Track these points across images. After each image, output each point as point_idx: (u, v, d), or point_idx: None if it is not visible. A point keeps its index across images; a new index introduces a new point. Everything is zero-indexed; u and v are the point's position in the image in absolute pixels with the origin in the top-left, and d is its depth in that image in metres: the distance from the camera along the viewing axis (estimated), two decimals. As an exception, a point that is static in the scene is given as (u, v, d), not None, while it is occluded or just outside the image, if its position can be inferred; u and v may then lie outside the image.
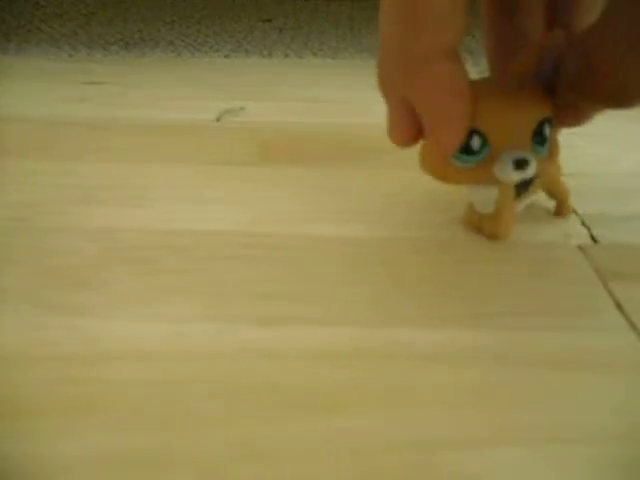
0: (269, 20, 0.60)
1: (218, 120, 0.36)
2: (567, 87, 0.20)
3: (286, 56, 0.50)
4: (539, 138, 0.21)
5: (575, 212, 0.26)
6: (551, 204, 0.25)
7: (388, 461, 0.15)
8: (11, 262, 0.22)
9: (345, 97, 0.40)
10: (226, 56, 0.50)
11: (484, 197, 0.23)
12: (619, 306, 0.20)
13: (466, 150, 0.21)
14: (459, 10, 0.19)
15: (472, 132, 0.21)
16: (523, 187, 0.23)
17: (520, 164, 0.20)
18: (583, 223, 0.25)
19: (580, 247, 0.23)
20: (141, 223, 0.25)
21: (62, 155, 0.31)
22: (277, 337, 0.19)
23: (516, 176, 0.21)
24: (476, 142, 0.21)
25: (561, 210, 0.25)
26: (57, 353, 0.18)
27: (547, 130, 0.21)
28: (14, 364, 0.18)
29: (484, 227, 0.23)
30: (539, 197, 0.25)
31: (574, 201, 0.26)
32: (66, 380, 0.17)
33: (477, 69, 0.45)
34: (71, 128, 0.34)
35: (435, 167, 0.22)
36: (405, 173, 0.27)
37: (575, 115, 0.21)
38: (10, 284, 0.21)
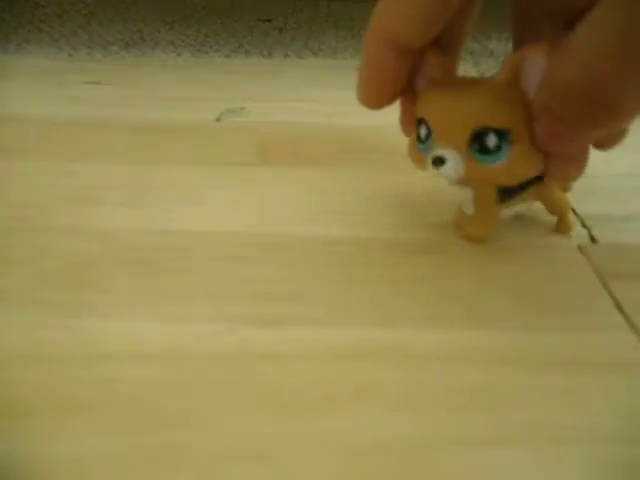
0: (269, 20, 0.60)
1: (218, 120, 0.36)
2: (556, 99, 0.19)
3: (286, 56, 0.50)
4: (479, 145, 0.20)
5: (575, 212, 0.26)
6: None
7: (388, 461, 0.15)
8: (11, 262, 0.22)
9: (345, 97, 0.40)
10: (226, 56, 0.50)
11: (462, 195, 0.23)
12: (619, 306, 0.20)
13: (418, 137, 0.22)
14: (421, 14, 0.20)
15: (421, 121, 0.21)
16: (508, 193, 0.23)
17: (435, 161, 0.21)
18: (583, 223, 0.25)
19: (580, 247, 0.24)
20: (141, 223, 0.25)
21: (62, 155, 0.31)
22: (277, 337, 0.19)
23: (433, 172, 0.21)
24: (422, 131, 0.21)
25: (559, 226, 0.24)
26: (57, 353, 0.18)
27: (492, 141, 0.20)
28: (14, 364, 0.18)
29: (463, 227, 0.24)
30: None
31: (574, 201, 0.26)
32: (66, 380, 0.17)
33: (477, 69, 0.45)
34: (71, 128, 0.34)
35: (408, 150, 0.23)
36: (405, 174, 0.27)
37: (558, 135, 0.19)
38: (10, 284, 0.21)
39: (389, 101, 0.23)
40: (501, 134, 0.20)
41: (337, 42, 0.54)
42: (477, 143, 0.20)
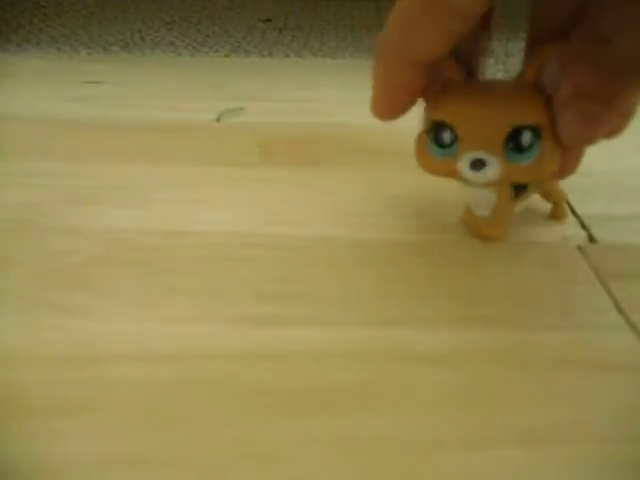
0: (269, 20, 0.60)
1: (218, 120, 0.36)
2: (592, 80, 0.20)
3: (286, 56, 0.50)
4: (514, 144, 0.20)
5: (575, 212, 0.26)
6: (548, 206, 0.25)
7: (388, 461, 0.15)
8: (11, 262, 0.22)
9: (345, 97, 0.40)
10: (226, 56, 0.50)
11: (481, 199, 0.23)
12: (619, 306, 0.20)
13: (439, 142, 0.21)
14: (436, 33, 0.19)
15: (444, 125, 0.21)
16: (521, 190, 0.23)
17: (476, 164, 0.20)
18: (583, 223, 0.25)
19: (579, 247, 0.24)
20: (141, 223, 0.25)
21: (62, 155, 0.31)
22: (277, 337, 0.19)
23: (472, 176, 0.21)
24: (446, 136, 0.21)
25: (556, 213, 0.25)
26: (57, 353, 0.18)
27: (527, 138, 0.20)
28: (14, 364, 0.18)
29: (480, 228, 0.24)
30: (536, 199, 0.25)
31: (574, 201, 0.26)
32: (66, 380, 0.17)
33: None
34: (71, 128, 0.34)
35: (418, 155, 0.22)
36: (405, 175, 0.27)
37: (593, 116, 0.20)
38: (10, 284, 0.21)
39: (404, 112, 0.23)
40: (534, 131, 0.20)
41: (337, 42, 0.54)
42: (512, 142, 0.20)
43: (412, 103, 0.22)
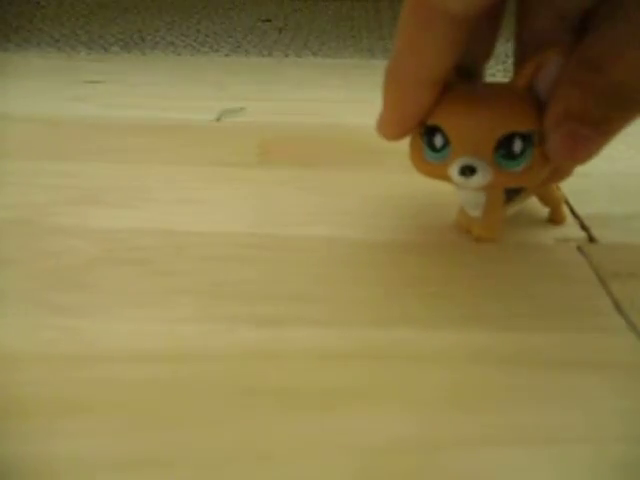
0: (269, 20, 0.60)
1: (218, 120, 0.36)
2: (590, 101, 0.19)
3: (286, 56, 0.50)
4: (505, 151, 0.20)
5: (574, 213, 0.26)
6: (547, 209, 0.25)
7: (388, 461, 0.15)
8: (11, 262, 0.22)
9: (345, 97, 0.40)
10: (226, 55, 0.50)
11: (473, 200, 0.23)
12: (618, 306, 0.20)
13: (431, 146, 0.21)
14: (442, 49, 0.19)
15: (436, 130, 0.21)
16: (514, 192, 0.23)
17: (465, 171, 0.20)
18: (582, 223, 0.25)
19: (579, 247, 0.24)
20: (141, 223, 0.25)
21: (62, 155, 0.31)
22: (277, 337, 0.19)
23: (461, 182, 0.21)
24: (438, 140, 0.21)
25: (554, 217, 0.25)
26: (56, 353, 0.18)
27: (518, 145, 0.20)
28: (14, 364, 0.18)
29: (472, 229, 0.24)
30: (535, 201, 0.25)
31: (573, 201, 0.26)
32: (65, 380, 0.17)
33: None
34: (71, 128, 0.34)
35: (412, 158, 0.22)
36: (404, 175, 0.27)
37: (584, 138, 0.20)
38: (10, 284, 0.21)
39: (410, 132, 0.23)
40: (525, 137, 0.20)
41: (337, 42, 0.54)
42: (503, 149, 0.20)
43: (419, 123, 0.22)
